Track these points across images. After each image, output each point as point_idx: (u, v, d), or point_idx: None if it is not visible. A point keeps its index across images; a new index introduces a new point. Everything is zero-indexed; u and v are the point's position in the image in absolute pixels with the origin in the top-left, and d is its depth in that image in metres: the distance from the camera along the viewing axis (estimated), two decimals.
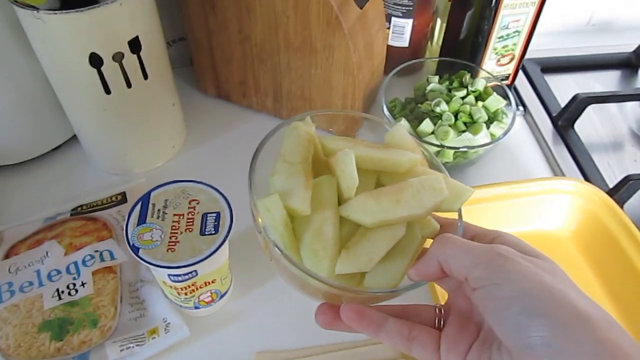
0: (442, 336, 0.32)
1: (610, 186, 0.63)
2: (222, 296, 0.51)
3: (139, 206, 0.46)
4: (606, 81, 0.84)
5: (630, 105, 0.78)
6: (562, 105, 0.74)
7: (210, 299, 0.50)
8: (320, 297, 0.37)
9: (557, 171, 0.68)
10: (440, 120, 0.60)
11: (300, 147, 0.36)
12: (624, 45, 0.87)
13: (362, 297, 0.35)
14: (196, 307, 0.50)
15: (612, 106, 0.78)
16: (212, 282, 0.48)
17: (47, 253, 0.53)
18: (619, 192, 0.61)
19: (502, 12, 0.63)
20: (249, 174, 0.36)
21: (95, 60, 0.51)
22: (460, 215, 0.37)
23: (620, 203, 0.60)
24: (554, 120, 0.73)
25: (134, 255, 0.43)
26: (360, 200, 0.34)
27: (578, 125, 0.73)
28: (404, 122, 0.60)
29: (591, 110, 0.73)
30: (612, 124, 0.76)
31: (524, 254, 0.30)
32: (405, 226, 0.35)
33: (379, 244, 0.34)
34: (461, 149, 0.58)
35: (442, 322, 0.34)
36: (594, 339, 0.25)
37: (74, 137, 0.65)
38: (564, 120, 0.72)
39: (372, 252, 0.34)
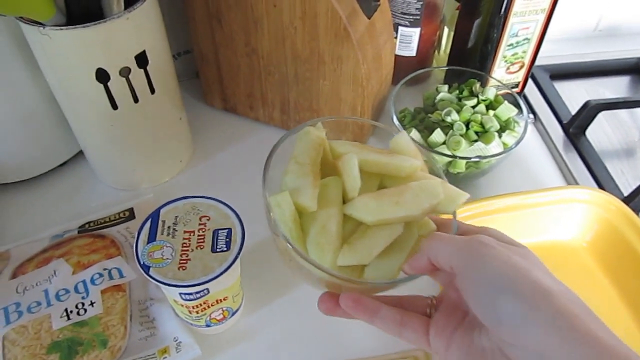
0: (431, 322, 0.35)
1: (625, 194, 0.62)
2: (233, 314, 0.50)
3: (148, 223, 0.45)
4: (615, 87, 0.83)
5: None
6: (573, 113, 0.73)
7: (221, 316, 0.49)
8: (324, 286, 0.40)
9: (570, 179, 0.67)
10: (451, 130, 0.59)
11: (310, 150, 0.40)
12: (632, 51, 0.86)
13: (361, 288, 0.38)
14: (208, 326, 0.49)
15: (623, 112, 0.77)
16: (224, 299, 0.47)
17: (54, 272, 0.52)
18: (635, 199, 0.60)
19: (512, 20, 0.62)
20: (263, 173, 0.39)
21: (102, 76, 0.50)
22: (454, 216, 0.40)
23: (636, 211, 0.59)
24: (565, 128, 0.72)
25: (145, 274, 0.42)
26: (363, 200, 0.38)
27: (589, 133, 0.72)
28: (414, 133, 0.60)
29: (602, 117, 0.72)
30: (623, 130, 0.75)
31: (502, 243, 0.33)
32: (403, 225, 0.38)
33: (378, 240, 0.37)
34: (473, 159, 0.57)
35: (433, 311, 0.37)
36: (553, 308, 0.28)
37: (81, 152, 0.64)
38: (575, 127, 0.71)
39: (371, 247, 0.37)
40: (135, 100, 0.54)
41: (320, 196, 0.39)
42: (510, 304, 0.29)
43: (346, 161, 0.39)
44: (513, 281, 0.29)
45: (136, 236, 0.44)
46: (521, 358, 0.29)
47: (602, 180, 0.65)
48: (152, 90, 0.55)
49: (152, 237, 0.44)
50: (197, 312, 0.46)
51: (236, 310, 0.51)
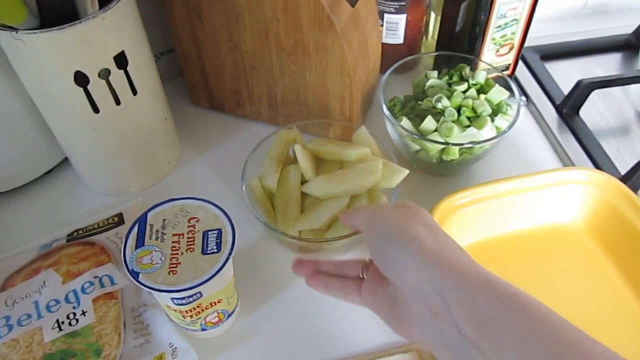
0: (363, 284, 0.41)
1: (623, 172, 0.61)
2: (229, 315, 0.49)
3: (136, 228, 0.44)
4: (607, 65, 0.82)
5: (634, 87, 0.76)
6: (566, 93, 0.72)
7: (217, 319, 0.48)
8: (296, 249, 0.53)
9: (565, 161, 0.66)
10: (442, 117, 0.58)
11: (280, 146, 0.55)
12: (622, 27, 0.85)
13: (318, 245, 0.52)
14: (203, 329, 0.48)
15: (616, 90, 0.75)
16: (218, 302, 0.46)
17: (44, 283, 0.51)
18: (632, 178, 0.59)
19: (499, 1, 0.61)
20: (243, 170, 0.53)
21: (81, 79, 0.49)
22: (396, 191, 0.52)
23: (634, 189, 0.58)
24: (558, 109, 0.71)
25: (134, 281, 0.41)
26: (316, 180, 0.52)
27: (583, 112, 0.71)
28: (405, 121, 0.58)
29: (595, 95, 0.71)
30: (617, 108, 0.74)
31: (397, 207, 0.41)
32: (348, 198, 0.51)
33: (327, 209, 0.50)
34: (467, 145, 0.56)
35: (365, 273, 0.42)
36: (419, 250, 0.35)
37: (66, 159, 0.63)
38: (569, 107, 0.70)
39: (320, 215, 0.50)
40: (117, 102, 0.53)
41: (285, 179, 0.53)
42: (390, 249, 0.36)
43: (298, 153, 0.53)
44: (394, 233, 0.37)
45: (123, 242, 0.43)
46: (408, 295, 0.35)
47: (599, 160, 0.64)
48: (134, 91, 0.54)
49: (140, 243, 0.43)
50: (191, 317, 0.45)
51: (232, 312, 0.49)
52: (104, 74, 0.50)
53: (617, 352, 0.29)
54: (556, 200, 0.56)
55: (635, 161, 0.59)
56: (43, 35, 0.45)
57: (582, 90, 0.69)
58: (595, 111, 0.72)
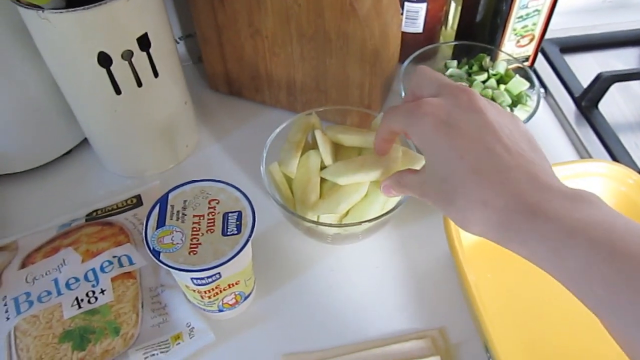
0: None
1: None
2: (246, 298, 0.50)
3: (157, 208, 0.45)
4: (627, 59, 0.81)
5: None
6: (585, 86, 0.71)
7: (234, 301, 0.48)
8: (313, 234, 0.54)
9: (583, 154, 0.65)
10: None
11: (299, 132, 0.55)
12: None
13: (337, 229, 0.51)
14: (220, 310, 0.49)
15: (635, 84, 0.75)
16: (236, 283, 0.46)
17: (64, 261, 0.52)
18: None
19: None
20: (263, 153, 0.53)
21: (104, 60, 0.49)
22: None
23: None
24: (577, 101, 0.71)
25: (155, 260, 0.41)
26: (335, 166, 0.51)
27: (602, 106, 0.70)
28: None
29: (614, 89, 0.70)
30: (636, 102, 0.73)
31: (440, 92, 0.38)
32: (367, 185, 0.50)
33: (346, 195, 0.50)
34: None
35: None
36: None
37: (85, 140, 0.63)
38: (587, 100, 0.70)
39: (339, 200, 0.50)
40: (139, 84, 0.53)
41: (304, 165, 0.53)
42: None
43: (318, 138, 0.53)
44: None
45: (145, 222, 0.44)
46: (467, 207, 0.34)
47: (617, 154, 0.63)
48: (156, 74, 0.54)
49: (161, 223, 0.44)
50: (209, 297, 0.46)
51: (249, 295, 0.50)
52: (127, 56, 0.50)
53: (618, 353, 0.29)
54: None
55: None
56: (68, 15, 0.45)
57: (602, 83, 0.68)
58: (615, 105, 0.72)
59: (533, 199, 0.32)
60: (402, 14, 0.71)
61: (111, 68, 0.50)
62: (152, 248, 0.42)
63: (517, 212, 0.32)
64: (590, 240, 0.29)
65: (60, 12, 0.45)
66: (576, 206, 0.31)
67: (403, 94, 0.59)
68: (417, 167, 0.50)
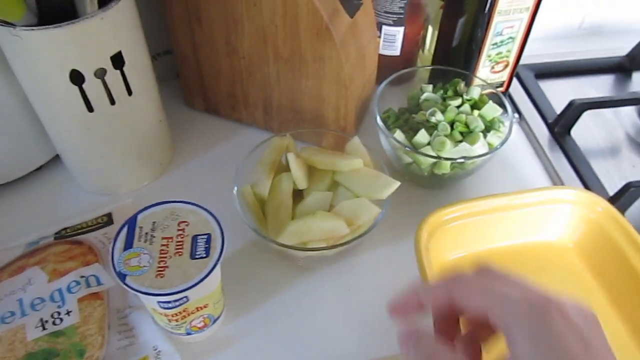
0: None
1: (611, 193, 0.62)
2: (215, 321, 0.49)
3: (125, 230, 0.44)
4: (600, 86, 0.83)
5: (625, 110, 0.77)
6: (558, 112, 0.72)
7: (202, 324, 0.48)
8: (285, 257, 0.54)
9: (555, 179, 0.66)
10: (436, 131, 0.58)
11: (272, 154, 0.56)
12: (617, 49, 0.86)
13: (305, 253, 0.51)
14: (188, 333, 0.48)
15: (607, 111, 0.76)
16: (205, 307, 0.46)
17: (29, 280, 0.51)
18: (620, 199, 0.59)
19: (496, 19, 0.62)
20: (235, 175, 0.54)
21: (77, 77, 0.49)
22: (387, 202, 0.53)
23: (622, 211, 0.59)
24: (550, 127, 0.72)
25: (121, 283, 0.41)
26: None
27: (574, 132, 0.71)
28: (398, 134, 0.59)
29: (587, 116, 0.72)
30: (608, 129, 0.74)
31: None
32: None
33: (315, 231, 0.50)
34: (458, 160, 0.56)
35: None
36: None
37: (57, 157, 0.62)
38: (560, 126, 0.71)
39: (309, 235, 0.50)
40: (112, 102, 0.53)
41: (277, 187, 0.54)
42: None
43: (290, 161, 0.53)
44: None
45: (112, 243, 0.43)
46: None
47: (588, 180, 0.64)
48: (130, 92, 0.54)
49: (128, 244, 0.43)
50: (176, 321, 0.45)
51: (218, 318, 0.49)
52: (100, 74, 0.50)
53: None
54: (544, 219, 0.57)
55: (624, 183, 0.60)
56: (40, 33, 0.45)
57: (574, 110, 0.69)
58: (587, 131, 0.73)
59: None
60: (379, 37, 0.71)
61: (83, 86, 0.50)
62: (118, 271, 0.41)
63: None
64: None
65: (32, 30, 0.45)
66: None
67: (378, 117, 0.59)
68: (389, 191, 0.53)
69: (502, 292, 0.31)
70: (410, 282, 0.36)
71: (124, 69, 0.52)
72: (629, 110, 0.77)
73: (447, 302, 0.33)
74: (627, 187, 0.59)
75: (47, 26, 0.45)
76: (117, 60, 0.51)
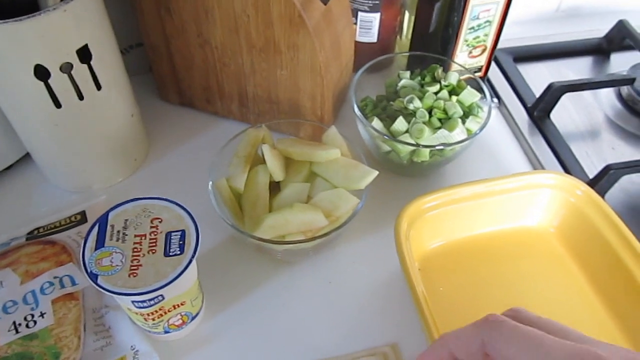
0: None
1: (591, 176, 0.62)
2: (193, 318, 0.48)
3: (96, 229, 0.43)
4: (578, 68, 0.82)
5: (604, 92, 0.77)
6: (537, 95, 0.72)
7: (180, 322, 0.47)
8: (263, 251, 0.54)
9: (535, 164, 0.66)
10: (414, 118, 0.58)
11: (248, 146, 0.55)
12: (594, 31, 0.86)
13: (282, 247, 0.51)
14: (166, 332, 0.47)
15: (586, 94, 0.76)
16: (182, 304, 0.45)
17: (1, 283, 0.49)
18: (600, 182, 0.59)
19: (472, 3, 0.61)
20: (209, 170, 0.53)
21: (42, 73, 0.47)
22: (365, 192, 0.52)
23: (601, 193, 0.59)
24: (529, 111, 0.71)
25: (93, 284, 0.40)
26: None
27: (554, 115, 0.71)
28: (376, 122, 0.58)
29: (566, 98, 0.71)
30: (587, 111, 0.74)
31: None
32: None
33: (293, 224, 0.49)
34: (437, 147, 0.56)
35: None
36: None
37: (27, 155, 0.61)
38: (540, 110, 0.71)
39: (286, 228, 0.49)
40: (80, 97, 0.51)
41: (253, 180, 0.53)
42: None
43: (266, 153, 0.52)
44: None
45: (83, 243, 0.42)
46: None
47: (568, 164, 0.64)
48: (99, 86, 0.52)
49: (100, 244, 0.42)
50: (153, 319, 0.44)
51: (196, 315, 0.48)
52: (66, 68, 0.48)
53: None
54: (524, 204, 0.56)
55: (603, 165, 0.60)
56: (0, 27, 0.43)
57: (553, 93, 0.69)
58: (566, 114, 0.73)
59: None
60: (355, 23, 0.70)
61: (49, 81, 0.48)
62: (89, 271, 0.40)
63: None
64: None
65: None
66: None
67: (355, 105, 0.58)
68: (367, 181, 0.52)
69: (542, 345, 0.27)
70: (442, 335, 0.33)
71: (92, 62, 0.50)
72: (608, 92, 0.77)
73: (480, 350, 0.29)
74: (607, 169, 0.59)
75: (7, 20, 0.43)
76: (84, 54, 0.49)
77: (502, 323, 0.29)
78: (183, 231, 0.43)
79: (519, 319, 0.30)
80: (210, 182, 0.52)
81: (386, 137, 0.56)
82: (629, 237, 0.51)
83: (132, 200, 0.45)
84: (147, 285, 0.40)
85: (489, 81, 0.76)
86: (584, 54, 0.84)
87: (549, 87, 0.69)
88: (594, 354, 0.25)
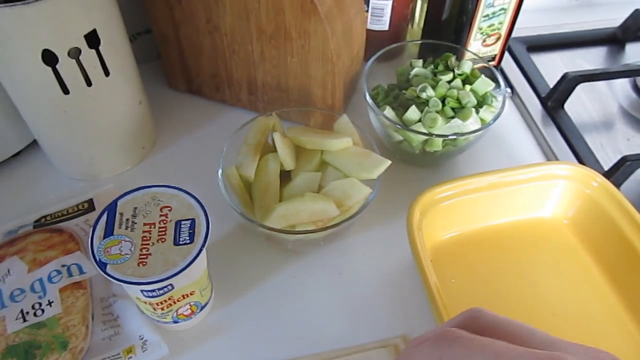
0: None
1: (606, 168, 0.61)
2: (202, 308, 0.47)
3: (104, 217, 0.42)
4: (593, 58, 0.81)
5: (619, 82, 0.75)
6: (551, 85, 0.71)
7: (189, 312, 0.46)
8: (272, 240, 0.52)
9: (549, 154, 0.65)
10: (427, 107, 0.57)
11: (257, 134, 0.54)
12: (609, 21, 0.84)
13: (293, 236, 0.50)
14: (175, 322, 0.46)
15: (601, 84, 0.75)
16: (191, 294, 0.44)
17: (8, 271, 0.49)
18: (616, 174, 0.58)
19: None
20: (219, 158, 0.51)
21: (49, 58, 0.46)
22: (377, 182, 0.51)
23: (617, 185, 0.58)
24: (543, 101, 0.70)
25: (102, 272, 0.39)
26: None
27: (568, 106, 0.70)
28: (388, 111, 0.57)
29: (580, 89, 0.70)
30: (602, 102, 0.73)
31: None
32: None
33: (304, 214, 0.48)
34: (450, 137, 0.55)
35: None
36: None
37: (35, 142, 0.60)
38: (554, 100, 0.69)
39: (297, 218, 0.48)
40: (88, 83, 0.50)
41: (263, 168, 0.52)
42: None
43: (277, 141, 0.51)
44: None
45: (91, 231, 0.41)
46: None
47: (582, 155, 0.63)
48: (107, 73, 0.51)
49: (109, 232, 0.41)
50: (162, 309, 0.44)
51: (205, 305, 0.48)
52: (74, 53, 0.48)
53: (594, 345, 0.25)
54: (539, 195, 0.55)
55: (619, 157, 0.59)
56: (7, 11, 0.42)
57: (568, 83, 0.68)
58: (580, 105, 0.72)
59: None
60: (367, 11, 0.69)
61: (57, 67, 0.47)
62: (98, 260, 0.40)
63: None
64: None
65: None
66: None
67: (367, 94, 0.57)
68: (379, 170, 0.51)
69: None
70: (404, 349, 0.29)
71: (100, 48, 0.49)
72: (623, 82, 0.76)
73: None
74: (623, 160, 0.58)
75: (15, 3, 0.42)
76: (92, 39, 0.48)
77: (457, 339, 0.26)
78: (193, 220, 0.42)
79: (478, 323, 0.28)
80: (220, 170, 0.51)
81: (398, 126, 0.55)
82: None
83: (141, 188, 0.44)
84: (157, 274, 0.39)
85: (502, 71, 0.74)
86: (598, 43, 0.83)
87: (564, 77, 0.68)
88: (557, 358, 0.24)
